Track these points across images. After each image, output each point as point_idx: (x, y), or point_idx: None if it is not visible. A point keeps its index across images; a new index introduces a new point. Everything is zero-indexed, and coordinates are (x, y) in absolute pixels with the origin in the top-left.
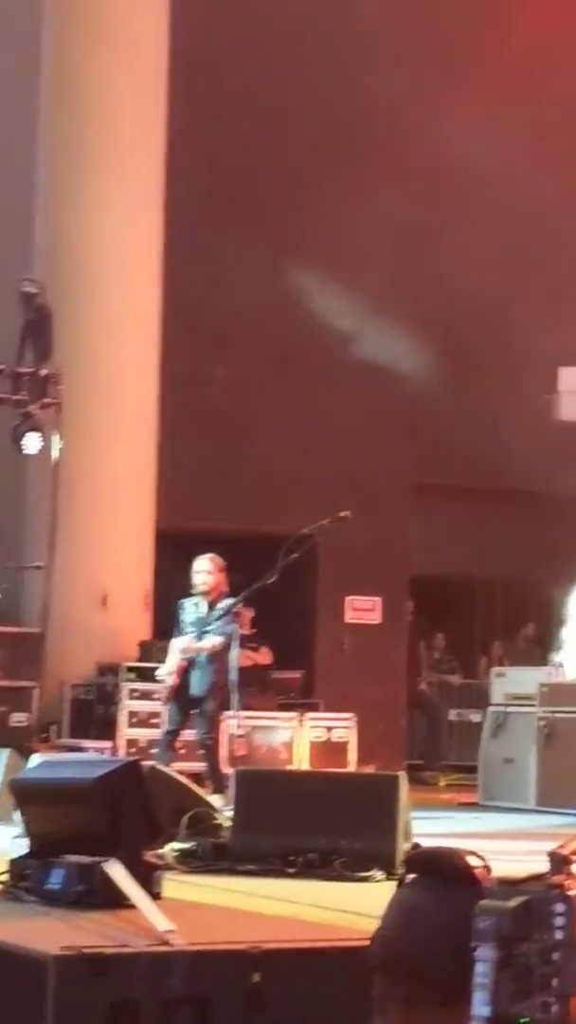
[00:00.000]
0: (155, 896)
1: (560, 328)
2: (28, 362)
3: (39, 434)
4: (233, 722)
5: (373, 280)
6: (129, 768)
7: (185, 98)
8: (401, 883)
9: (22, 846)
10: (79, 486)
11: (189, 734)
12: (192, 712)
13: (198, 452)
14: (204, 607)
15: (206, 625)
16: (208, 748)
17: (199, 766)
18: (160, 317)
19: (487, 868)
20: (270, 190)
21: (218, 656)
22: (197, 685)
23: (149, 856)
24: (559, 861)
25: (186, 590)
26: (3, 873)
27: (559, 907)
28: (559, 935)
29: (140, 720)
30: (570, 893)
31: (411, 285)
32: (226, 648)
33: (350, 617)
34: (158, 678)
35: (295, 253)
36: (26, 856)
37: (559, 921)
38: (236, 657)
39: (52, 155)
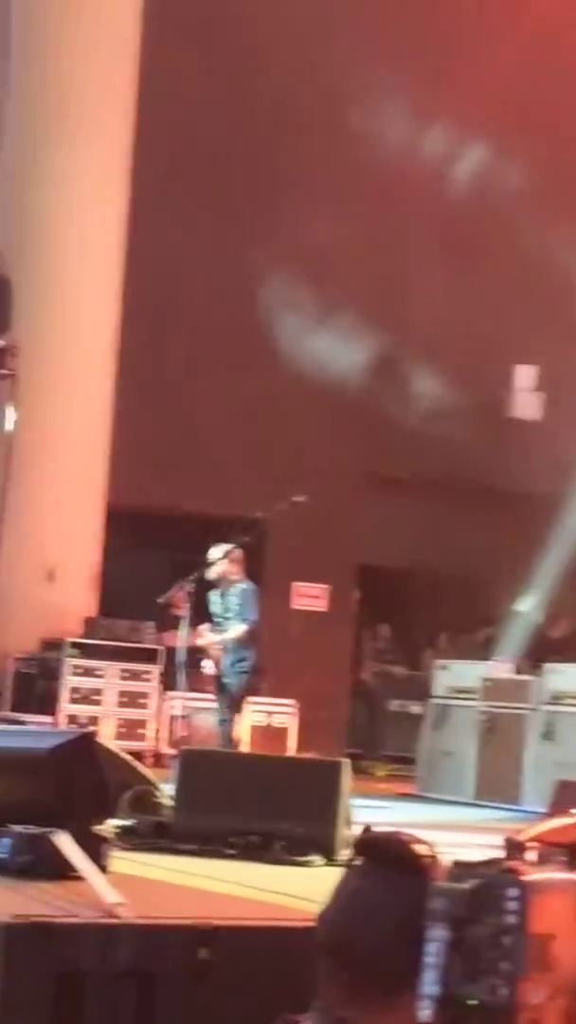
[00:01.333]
0: (102, 869)
1: (516, 326)
2: None
3: None
4: (176, 703)
5: (331, 276)
6: (83, 740)
7: (155, 75)
8: (349, 866)
9: None
10: (32, 459)
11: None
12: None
13: (152, 430)
14: (220, 597)
15: (225, 613)
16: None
17: (140, 745)
18: (120, 292)
19: (434, 857)
20: (238, 173)
21: (244, 640)
22: (228, 672)
23: (98, 830)
24: (514, 847)
25: (134, 568)
26: None
27: (512, 892)
28: (511, 919)
29: (82, 696)
30: (524, 879)
31: (369, 284)
32: (252, 633)
33: (296, 603)
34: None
35: (257, 238)
36: None
37: (511, 906)
38: (184, 637)
39: (18, 127)
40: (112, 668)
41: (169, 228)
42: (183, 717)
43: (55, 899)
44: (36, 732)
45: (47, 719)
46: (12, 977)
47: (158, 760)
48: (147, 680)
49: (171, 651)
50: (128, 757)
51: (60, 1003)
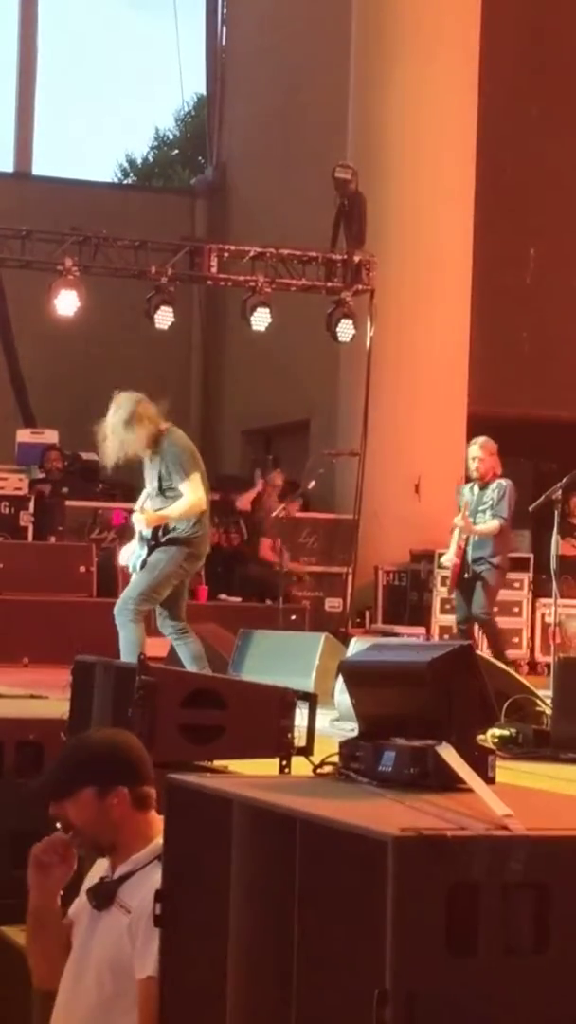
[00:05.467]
0: (489, 781)
1: None
2: (341, 248)
3: (352, 321)
4: (550, 610)
5: None
6: (462, 651)
7: None
8: None
9: (342, 729)
10: (392, 373)
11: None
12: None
13: (512, 336)
14: (477, 491)
15: (478, 507)
16: (485, 624)
17: (514, 653)
18: (473, 200)
19: None
20: None
21: (497, 538)
22: (470, 564)
23: (482, 740)
24: None
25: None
26: (332, 755)
27: None
28: None
29: (453, 607)
30: None
31: None
32: (507, 529)
33: None
34: (443, 563)
35: None
36: (356, 738)
37: None
38: (556, 544)
39: (364, 39)
40: None
41: (520, 134)
42: (556, 624)
43: (443, 811)
44: (415, 645)
45: (419, 631)
46: (404, 890)
47: (532, 668)
48: (518, 588)
49: (565, 559)
50: (504, 666)
51: (453, 916)
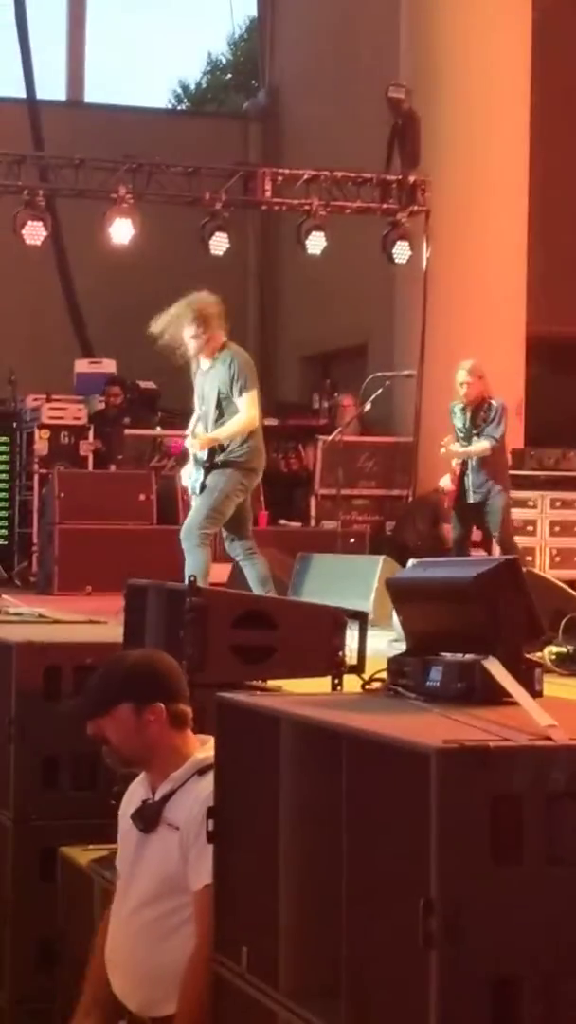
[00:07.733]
0: (536, 694)
1: None
2: (396, 169)
3: (407, 242)
4: None
5: None
6: (508, 566)
7: None
8: None
9: (400, 650)
10: (448, 294)
11: None
12: (475, 518)
13: (570, 254)
14: (468, 414)
15: (472, 430)
16: (504, 547)
17: (574, 574)
18: (528, 115)
19: None
20: None
21: (490, 459)
22: (473, 490)
23: (529, 655)
24: None
25: (558, 396)
26: (381, 671)
27: None
28: None
29: (516, 528)
30: None
31: None
32: (501, 450)
33: None
34: (441, 486)
35: None
36: (404, 655)
37: None
38: None
39: None
40: (544, 498)
41: (575, 47)
42: None
43: (488, 724)
44: (461, 561)
45: (480, 552)
46: (447, 801)
47: None
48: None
49: None
50: (563, 585)
51: (497, 826)
